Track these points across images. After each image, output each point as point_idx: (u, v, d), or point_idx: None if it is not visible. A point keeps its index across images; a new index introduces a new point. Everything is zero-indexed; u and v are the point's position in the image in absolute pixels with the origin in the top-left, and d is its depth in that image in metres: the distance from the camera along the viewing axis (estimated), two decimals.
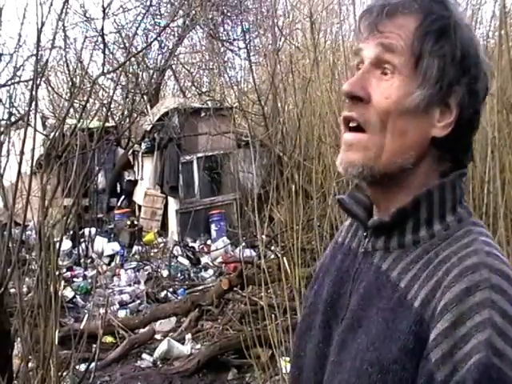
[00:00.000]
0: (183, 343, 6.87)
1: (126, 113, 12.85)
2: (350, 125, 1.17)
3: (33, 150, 3.81)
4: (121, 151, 13.35)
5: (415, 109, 1.13)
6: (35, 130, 3.82)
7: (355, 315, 1.17)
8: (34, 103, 3.93)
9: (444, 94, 1.14)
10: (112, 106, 11.74)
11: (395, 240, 1.18)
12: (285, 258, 4.79)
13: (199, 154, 12.48)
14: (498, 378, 0.96)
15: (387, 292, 1.13)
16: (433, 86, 1.13)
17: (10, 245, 3.93)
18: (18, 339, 4.08)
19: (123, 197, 13.24)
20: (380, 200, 1.22)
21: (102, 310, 6.95)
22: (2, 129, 4.13)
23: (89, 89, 7.31)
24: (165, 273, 9.86)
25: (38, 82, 3.97)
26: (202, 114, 12.16)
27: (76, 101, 6.84)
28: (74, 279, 9.66)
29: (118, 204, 13.14)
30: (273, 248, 7.74)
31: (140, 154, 12.87)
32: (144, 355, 6.78)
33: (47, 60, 4.76)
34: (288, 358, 4.61)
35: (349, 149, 1.17)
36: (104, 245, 11.18)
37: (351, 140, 1.16)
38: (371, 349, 1.10)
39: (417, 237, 1.15)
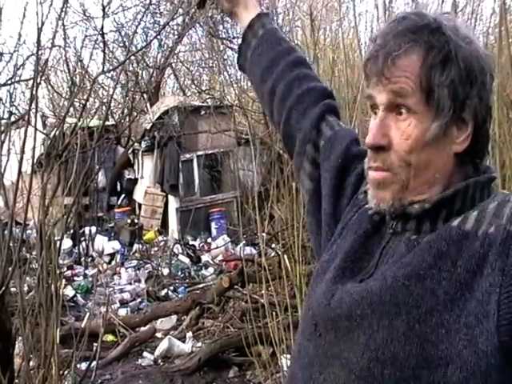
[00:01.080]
0: (184, 341, 6.87)
1: (125, 111, 12.84)
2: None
3: (33, 149, 3.81)
4: (121, 150, 13.34)
5: (435, 139, 1.19)
6: (35, 129, 3.82)
7: (384, 288, 1.19)
8: (34, 102, 3.93)
9: (459, 113, 1.20)
10: (112, 104, 11.76)
11: (427, 225, 1.23)
12: (285, 256, 4.80)
13: (199, 152, 12.48)
14: None
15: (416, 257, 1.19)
16: (447, 113, 1.19)
17: (11, 244, 3.93)
18: (19, 338, 4.08)
19: (123, 195, 13.24)
20: None
21: (102, 309, 6.97)
22: (3, 128, 4.13)
23: (89, 88, 7.32)
24: (165, 271, 9.86)
25: (38, 81, 3.97)
26: (202, 112, 12.15)
27: (76, 100, 6.84)
28: (75, 278, 9.66)
29: (119, 202, 13.13)
30: (273, 246, 7.74)
31: (140, 152, 12.86)
32: (145, 353, 6.79)
33: (47, 59, 4.75)
34: (289, 356, 4.62)
35: (377, 187, 1.25)
36: (104, 243, 11.19)
37: (378, 178, 1.24)
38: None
39: (448, 225, 1.20)
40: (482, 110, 1.22)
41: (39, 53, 4.06)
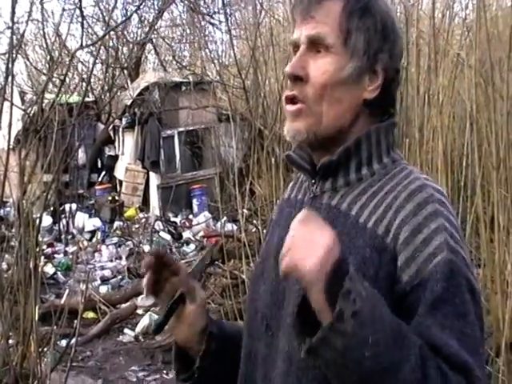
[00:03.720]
0: None
1: (106, 87, 12.75)
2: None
3: (9, 124, 3.76)
4: (101, 126, 13.25)
5: (348, 79, 1.29)
6: (12, 104, 3.78)
7: None
8: (10, 77, 3.87)
9: (371, 63, 1.31)
10: (92, 80, 11.65)
11: (341, 179, 1.33)
12: (264, 231, 4.81)
13: (180, 129, 12.43)
14: (457, 271, 1.17)
15: (340, 221, 1.29)
16: (361, 58, 1.30)
17: None
18: None
19: (104, 172, 13.18)
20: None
21: (83, 286, 6.95)
22: None
23: (67, 63, 7.22)
24: (146, 248, 9.84)
25: (14, 56, 3.91)
26: (183, 88, 12.08)
27: (55, 75, 6.76)
28: (55, 255, 9.62)
29: (99, 179, 13.08)
30: (254, 222, 7.75)
31: (121, 128, 12.78)
32: (126, 330, 6.80)
33: (23, 33, 4.68)
34: None
35: (293, 119, 1.32)
36: (85, 221, 11.15)
37: (294, 110, 1.31)
38: None
39: (359, 174, 1.32)
40: (392, 68, 1.33)
41: (15, 26, 4.00)
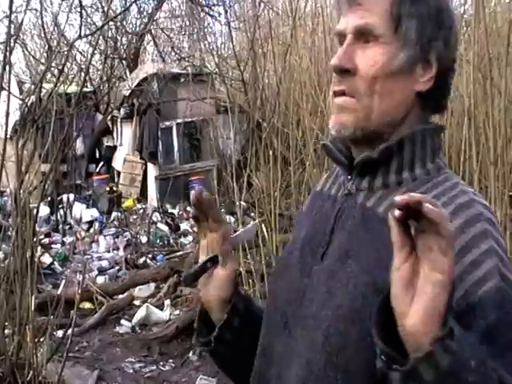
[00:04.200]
0: (162, 309, 6.90)
1: (104, 78, 12.72)
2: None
3: (7, 114, 3.76)
4: (99, 117, 13.22)
5: (400, 70, 1.19)
6: (9, 94, 3.77)
7: (342, 248, 1.19)
8: (7, 67, 3.86)
9: (424, 52, 1.20)
10: (90, 70, 11.61)
11: (380, 180, 1.23)
12: (263, 224, 4.81)
13: (178, 120, 12.41)
14: (509, 299, 1.06)
15: (374, 225, 1.18)
16: (414, 46, 1.19)
17: None
18: None
19: (102, 163, 13.15)
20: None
21: (80, 277, 6.96)
22: None
23: (66, 53, 7.21)
24: (144, 239, 9.85)
25: (11, 45, 3.90)
26: (182, 80, 12.05)
27: (53, 65, 6.74)
28: (52, 246, 9.60)
29: (97, 170, 13.05)
30: (252, 214, 7.75)
31: (119, 119, 12.75)
32: (122, 321, 6.81)
33: (21, 22, 4.67)
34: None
35: (340, 111, 1.22)
36: (83, 211, 11.14)
37: (342, 103, 1.21)
38: (364, 274, 1.13)
39: (400, 178, 1.22)
40: (447, 57, 1.23)
41: (13, 16, 3.99)
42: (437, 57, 1.21)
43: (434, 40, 1.21)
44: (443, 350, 0.90)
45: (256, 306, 1.50)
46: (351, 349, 1.10)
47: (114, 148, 13.10)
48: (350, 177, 1.28)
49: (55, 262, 8.70)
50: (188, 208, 11.80)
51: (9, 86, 3.88)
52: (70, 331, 4.23)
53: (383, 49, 1.19)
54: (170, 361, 5.93)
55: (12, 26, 3.88)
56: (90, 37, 7.85)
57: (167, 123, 12.30)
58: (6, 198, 8.51)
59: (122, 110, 12.46)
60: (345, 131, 1.21)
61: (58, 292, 4.68)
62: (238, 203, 5.65)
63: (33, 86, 7.55)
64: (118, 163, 12.89)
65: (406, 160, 1.21)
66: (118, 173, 12.80)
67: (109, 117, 12.99)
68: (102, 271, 8.50)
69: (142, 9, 13.47)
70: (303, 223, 1.38)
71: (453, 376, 0.91)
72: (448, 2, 1.25)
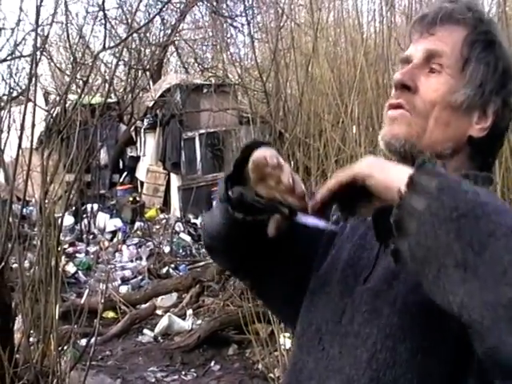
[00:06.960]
0: (184, 319, 6.92)
1: (128, 89, 12.83)
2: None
3: (33, 125, 3.80)
4: (123, 127, 13.34)
5: (458, 106, 1.19)
6: (35, 105, 3.82)
7: (388, 271, 1.17)
8: (33, 78, 3.92)
9: (484, 100, 1.20)
10: (114, 81, 11.73)
11: None
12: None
13: (201, 131, 12.48)
14: None
15: None
16: (476, 89, 1.20)
17: (11, 220, 3.94)
18: (20, 314, 4.11)
19: (125, 173, 13.26)
20: None
21: (103, 286, 7.00)
22: (3, 104, 4.12)
23: (90, 64, 7.28)
24: (166, 249, 9.89)
25: (37, 57, 3.96)
26: (204, 91, 12.12)
27: (78, 76, 6.82)
28: (77, 255, 9.70)
29: (121, 180, 13.16)
30: None
31: (142, 130, 12.86)
32: (145, 330, 6.84)
33: (47, 35, 4.73)
34: (287, 334, 4.64)
35: (393, 123, 1.21)
36: (106, 221, 11.23)
37: (397, 115, 1.21)
38: (412, 294, 1.10)
39: None
40: (503, 116, 1.23)
41: (40, 29, 4.05)
42: (494, 111, 1.21)
43: (494, 94, 1.21)
44: (425, 173, 0.93)
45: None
46: (400, 366, 1.09)
47: (138, 158, 13.20)
48: None
49: (79, 272, 8.78)
50: None
51: (35, 98, 3.93)
52: (93, 340, 4.26)
53: (447, 80, 1.19)
54: (192, 370, 5.94)
55: (38, 38, 3.94)
56: (114, 48, 7.92)
57: (190, 134, 12.37)
58: (31, 208, 8.58)
59: (146, 121, 12.57)
60: (395, 141, 1.20)
61: (82, 301, 4.72)
62: None
63: (58, 98, 7.63)
64: (141, 173, 12.98)
65: None
66: (142, 183, 12.89)
67: (132, 127, 13.10)
68: (124, 281, 8.56)
69: (165, 20, 13.60)
70: (345, 246, 1.33)
71: (449, 193, 0.90)
72: None
